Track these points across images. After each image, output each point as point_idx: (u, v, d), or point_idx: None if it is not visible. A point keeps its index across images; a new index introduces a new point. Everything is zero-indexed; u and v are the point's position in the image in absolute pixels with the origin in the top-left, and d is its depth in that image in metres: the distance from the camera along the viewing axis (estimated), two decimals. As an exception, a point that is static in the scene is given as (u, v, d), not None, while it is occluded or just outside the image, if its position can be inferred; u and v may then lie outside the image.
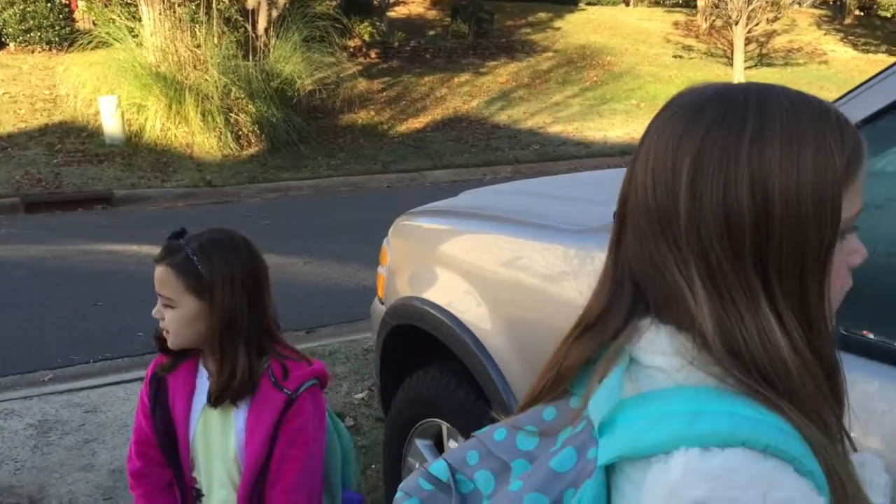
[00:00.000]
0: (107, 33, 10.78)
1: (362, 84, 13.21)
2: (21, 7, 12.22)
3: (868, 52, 18.34)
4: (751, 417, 0.67)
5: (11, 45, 12.52)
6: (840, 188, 0.71)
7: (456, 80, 14.51)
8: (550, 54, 16.36)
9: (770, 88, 0.75)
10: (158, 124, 10.23)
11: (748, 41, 16.46)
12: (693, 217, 0.71)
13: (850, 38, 19.34)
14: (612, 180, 1.00)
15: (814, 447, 0.68)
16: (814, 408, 0.70)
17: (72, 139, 10.23)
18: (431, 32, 16.92)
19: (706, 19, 18.70)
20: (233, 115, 10.47)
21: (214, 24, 10.67)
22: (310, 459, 1.71)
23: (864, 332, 1.31)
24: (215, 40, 10.67)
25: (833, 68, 17.19)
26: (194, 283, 1.61)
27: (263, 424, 1.66)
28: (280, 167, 10.29)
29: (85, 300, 5.44)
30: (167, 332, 1.66)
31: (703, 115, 0.73)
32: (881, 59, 17.33)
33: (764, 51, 17.91)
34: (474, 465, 0.86)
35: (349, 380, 4.16)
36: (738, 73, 15.23)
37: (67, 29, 12.44)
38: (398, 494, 0.90)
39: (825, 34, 19.62)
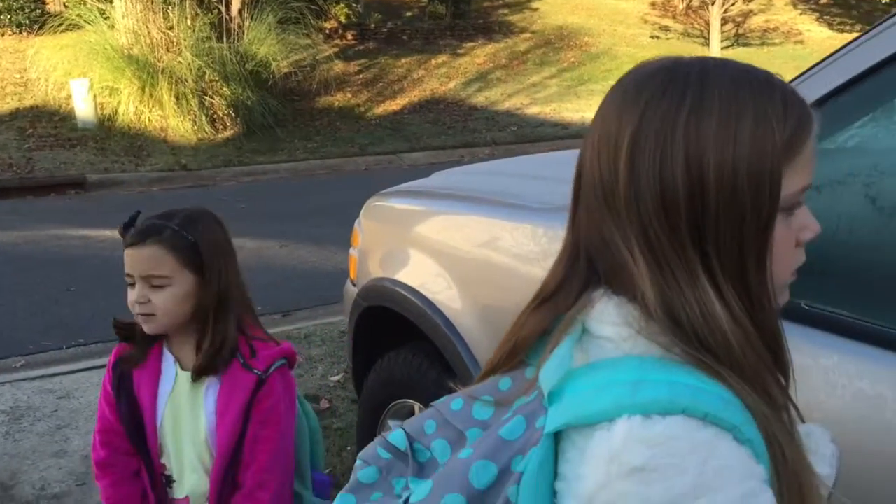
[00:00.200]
0: (78, 15, 10.61)
1: (339, 66, 13.10)
2: (-11, -11, 12.02)
3: (843, 31, 18.43)
4: (692, 386, 0.68)
5: (-20, 28, 12.32)
6: (780, 162, 0.71)
7: (433, 61, 14.43)
8: (528, 35, 16.30)
9: (718, 63, 0.75)
10: (132, 108, 10.10)
11: (725, 21, 16.50)
12: (632, 192, 0.72)
13: (825, 17, 19.42)
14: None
15: (755, 415, 0.69)
16: (757, 378, 0.71)
17: (43, 123, 10.08)
18: (408, 14, 16.80)
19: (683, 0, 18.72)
20: (207, 98, 10.36)
21: (187, 5, 10.52)
22: (282, 439, 1.71)
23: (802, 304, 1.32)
24: (188, 22, 10.53)
25: (808, 48, 17.27)
26: (190, 257, 1.60)
27: (235, 405, 1.66)
28: (256, 150, 10.21)
29: (58, 286, 5.39)
30: (150, 315, 1.62)
31: (646, 89, 0.73)
32: (856, 39, 17.38)
33: (740, 31, 17.96)
34: (431, 434, 0.87)
35: (325, 362, 4.15)
36: (715, 54, 15.26)
37: (38, 11, 12.22)
38: (357, 462, 0.91)
39: (801, 14, 19.69)
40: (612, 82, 0.79)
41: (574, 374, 0.73)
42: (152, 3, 10.37)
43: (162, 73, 10.11)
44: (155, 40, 10.33)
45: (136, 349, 1.72)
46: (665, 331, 0.71)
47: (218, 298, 1.63)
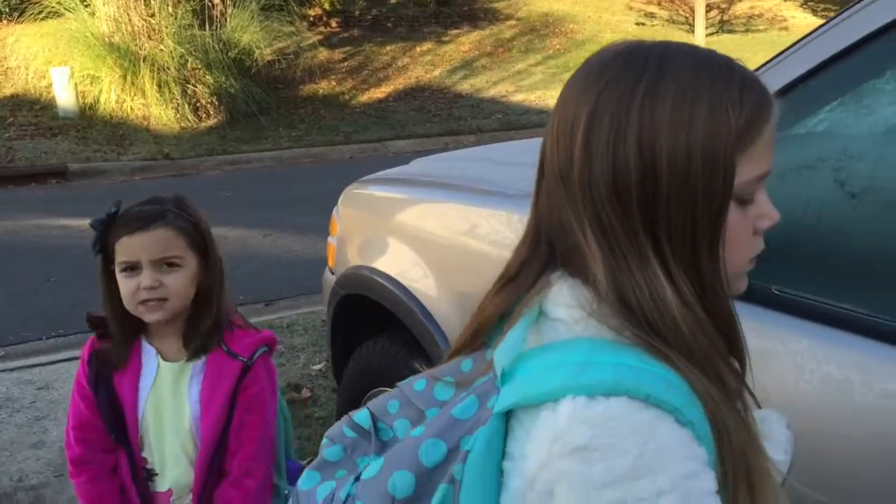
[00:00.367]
0: (58, 3, 10.48)
1: (323, 54, 13.02)
2: (-33, -24, 11.86)
3: (827, 17, 18.48)
4: (636, 368, 0.68)
5: (-41, 15, 12.16)
6: (733, 148, 0.70)
7: (418, 49, 14.37)
8: (513, 22, 16.25)
9: (678, 48, 0.74)
10: (113, 96, 10.01)
11: (709, 8, 16.49)
12: (585, 174, 0.71)
13: (809, 3, 19.46)
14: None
15: (702, 398, 0.69)
16: (708, 363, 0.71)
17: (24, 112, 9.99)
18: (393, 1, 16.70)
19: (668, -14, 18.70)
20: (190, 86, 10.28)
21: (169, -8, 10.43)
22: (266, 427, 1.71)
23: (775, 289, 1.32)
24: (170, 9, 10.42)
25: (793, 34, 17.28)
26: (196, 238, 1.62)
27: (220, 393, 1.65)
28: (240, 139, 10.14)
29: (38, 276, 5.35)
30: (160, 301, 1.59)
31: (604, 73, 0.73)
32: (840, 26, 17.44)
33: (725, 17, 17.96)
34: (394, 414, 0.89)
35: (307, 351, 4.15)
36: (700, 40, 15.26)
37: (17, -1, 12.09)
38: (323, 441, 0.92)
39: (785, 0, 19.73)
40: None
41: (527, 356, 0.74)
42: (133, -10, 10.27)
43: (144, 61, 10.01)
44: (136, 28, 10.23)
45: (115, 349, 1.68)
46: (616, 314, 0.71)
47: (219, 279, 1.66)
